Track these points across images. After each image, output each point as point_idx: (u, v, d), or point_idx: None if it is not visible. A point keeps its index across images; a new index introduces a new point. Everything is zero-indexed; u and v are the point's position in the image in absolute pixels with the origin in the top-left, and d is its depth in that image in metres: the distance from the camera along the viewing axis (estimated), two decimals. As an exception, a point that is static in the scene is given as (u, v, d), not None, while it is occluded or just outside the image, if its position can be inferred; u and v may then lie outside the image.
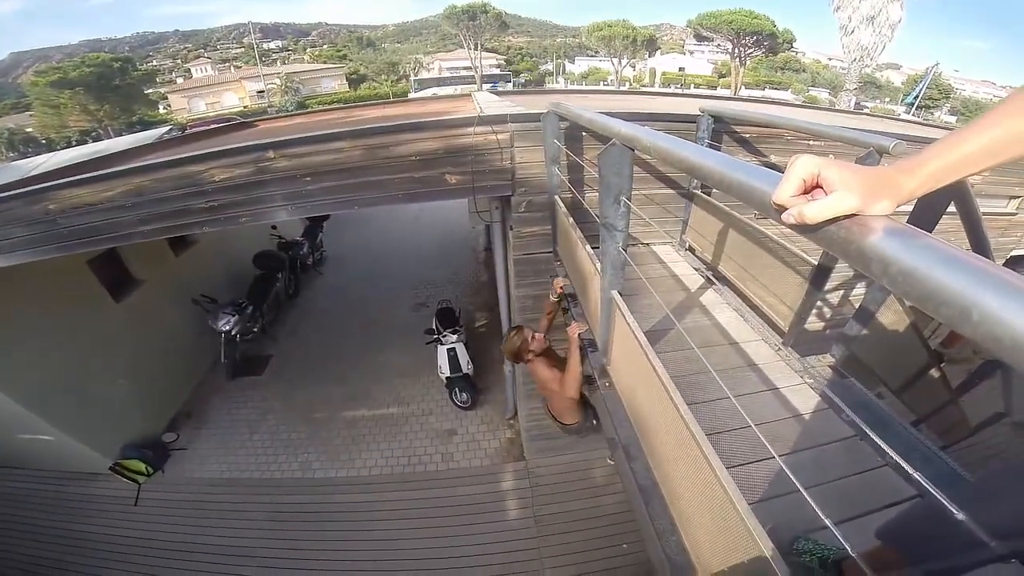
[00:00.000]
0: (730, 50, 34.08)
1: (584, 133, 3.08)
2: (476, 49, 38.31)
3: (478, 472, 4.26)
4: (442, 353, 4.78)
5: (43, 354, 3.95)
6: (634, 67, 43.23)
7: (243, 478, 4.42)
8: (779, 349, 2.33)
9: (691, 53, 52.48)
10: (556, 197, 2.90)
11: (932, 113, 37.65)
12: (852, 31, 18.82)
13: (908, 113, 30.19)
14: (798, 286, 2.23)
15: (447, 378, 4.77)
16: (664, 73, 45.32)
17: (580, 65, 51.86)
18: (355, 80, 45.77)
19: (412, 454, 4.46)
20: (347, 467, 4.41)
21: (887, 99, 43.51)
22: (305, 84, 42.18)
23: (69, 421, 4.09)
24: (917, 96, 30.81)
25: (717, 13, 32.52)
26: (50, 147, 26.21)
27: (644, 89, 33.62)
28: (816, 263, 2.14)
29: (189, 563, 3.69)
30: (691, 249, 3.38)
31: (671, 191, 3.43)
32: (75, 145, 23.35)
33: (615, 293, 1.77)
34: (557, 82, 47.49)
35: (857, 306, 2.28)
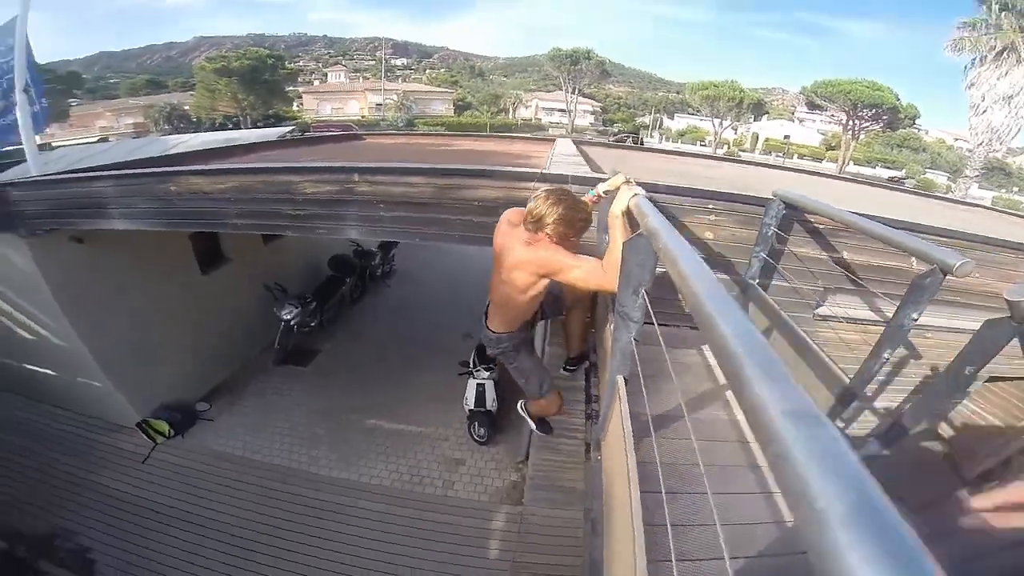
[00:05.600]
0: (843, 121, 32.22)
1: (642, 204, 3.12)
2: (573, 93, 39.56)
3: (473, 506, 4.26)
4: (471, 386, 4.90)
5: (124, 307, 4.34)
6: (735, 130, 42.19)
7: (253, 459, 4.67)
8: (788, 457, 2.19)
9: (800, 121, 50.24)
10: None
11: (1072, 208, 32.41)
12: (984, 111, 17.01)
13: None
14: (824, 400, 2.13)
15: (470, 411, 4.88)
16: (767, 140, 43.72)
17: (679, 122, 51.56)
18: (461, 106, 49.01)
19: (416, 473, 4.56)
20: (352, 471, 4.57)
21: (1015, 188, 38.13)
22: (417, 104, 45.95)
23: (121, 373, 4.39)
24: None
25: (835, 82, 30.96)
26: (197, 125, 30.48)
27: (742, 157, 32.57)
28: (848, 381, 2.03)
29: (171, 527, 3.88)
30: (733, 340, 3.24)
31: (726, 276, 3.32)
32: (216, 128, 27.15)
33: (620, 378, 1.78)
34: (652, 136, 47.51)
35: (881, 428, 2.14)
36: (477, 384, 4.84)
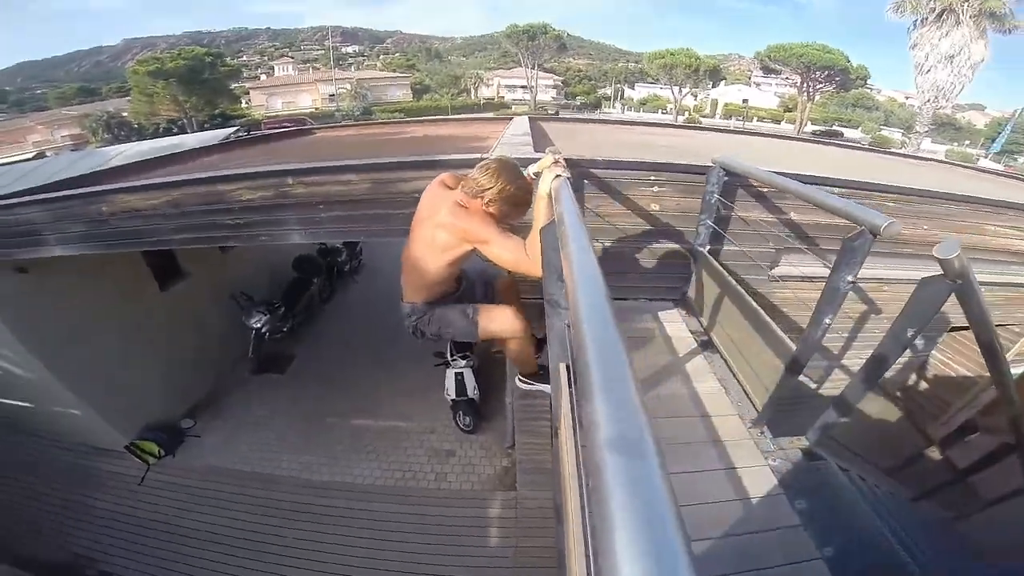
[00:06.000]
0: (798, 84, 32.92)
1: (586, 181, 3.06)
2: (533, 69, 39.10)
3: (468, 495, 4.28)
4: (450, 376, 4.87)
5: (87, 332, 4.25)
6: (695, 96, 42.47)
7: (246, 471, 4.62)
8: (751, 427, 2.25)
9: (757, 85, 50.95)
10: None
11: (1016, 159, 34.45)
12: (928, 70, 17.79)
13: (987, 158, 28.12)
14: (776, 367, 2.17)
15: (452, 400, 4.87)
16: (727, 104, 44.19)
17: (640, 91, 51.58)
18: (419, 90, 47.71)
19: (408, 469, 4.54)
20: (344, 473, 4.54)
21: (966, 142, 40.22)
22: (373, 91, 44.42)
23: (98, 399, 4.34)
24: (1000, 141, 28.81)
25: (788, 46, 31.54)
26: (140, 132, 28.79)
27: (703, 123, 32.87)
28: (794, 349, 2.07)
29: (181, 545, 3.89)
30: (690, 310, 3.30)
31: (677, 246, 3.34)
32: (161, 133, 25.73)
33: (561, 366, 1.78)
34: (614, 107, 47.44)
35: (837, 393, 2.20)
36: (455, 373, 4.80)
